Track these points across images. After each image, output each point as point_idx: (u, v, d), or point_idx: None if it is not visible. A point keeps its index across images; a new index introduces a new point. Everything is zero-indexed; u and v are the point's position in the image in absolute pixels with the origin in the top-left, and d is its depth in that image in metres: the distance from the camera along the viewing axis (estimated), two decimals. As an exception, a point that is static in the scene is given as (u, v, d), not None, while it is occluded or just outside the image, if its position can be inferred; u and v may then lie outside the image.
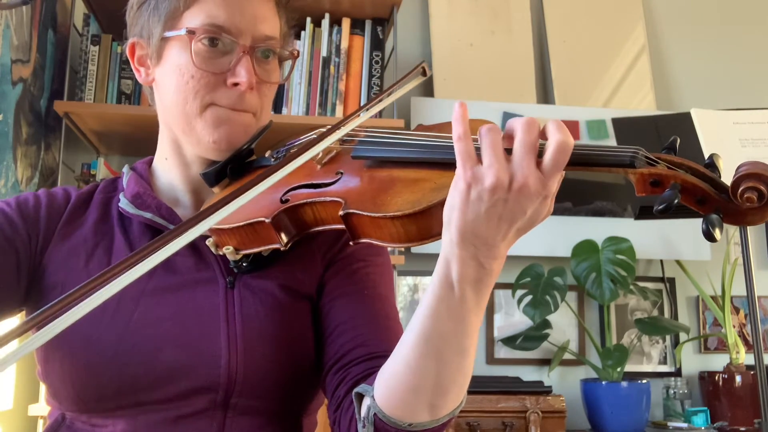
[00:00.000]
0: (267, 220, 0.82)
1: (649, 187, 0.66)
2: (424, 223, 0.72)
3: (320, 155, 0.89)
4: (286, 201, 0.83)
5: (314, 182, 0.84)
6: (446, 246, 0.68)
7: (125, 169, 1.01)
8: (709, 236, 0.63)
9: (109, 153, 2.52)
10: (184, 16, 0.91)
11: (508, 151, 0.66)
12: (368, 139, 0.86)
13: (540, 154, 0.65)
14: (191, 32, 0.89)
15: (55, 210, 0.95)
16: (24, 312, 0.93)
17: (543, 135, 0.66)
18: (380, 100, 0.90)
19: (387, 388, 0.76)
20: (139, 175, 0.99)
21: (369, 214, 0.74)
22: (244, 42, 0.90)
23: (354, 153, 0.84)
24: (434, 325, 0.71)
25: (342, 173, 0.84)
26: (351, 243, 0.78)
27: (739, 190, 0.63)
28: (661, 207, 0.63)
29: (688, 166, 0.66)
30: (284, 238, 0.83)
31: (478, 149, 0.66)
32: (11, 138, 1.92)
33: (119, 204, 0.95)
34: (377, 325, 0.90)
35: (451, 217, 0.67)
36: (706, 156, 0.69)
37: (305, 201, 0.81)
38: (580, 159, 0.67)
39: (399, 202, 0.73)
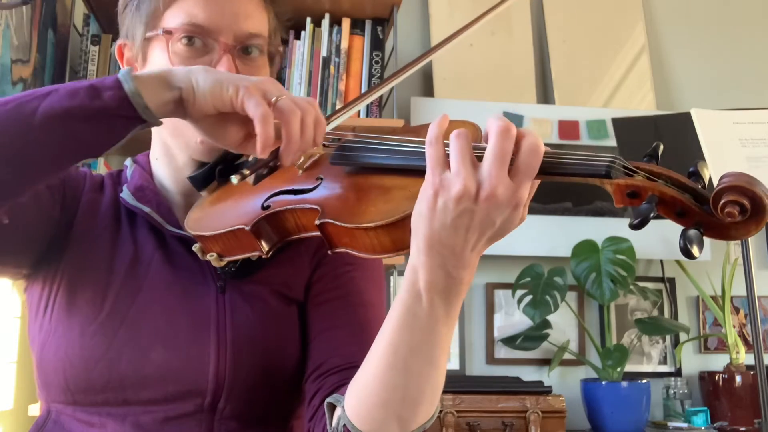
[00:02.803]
0: (247, 228, 0.80)
1: (626, 199, 0.63)
2: (398, 235, 0.70)
3: (302, 159, 0.87)
4: (267, 207, 0.81)
5: (295, 188, 0.82)
6: (413, 254, 0.67)
7: (128, 162, 1.02)
8: (687, 253, 0.59)
9: (109, 153, 2.51)
10: (164, 16, 0.90)
11: (480, 157, 0.63)
12: (347, 145, 0.84)
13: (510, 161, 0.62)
14: (168, 32, 0.88)
15: (80, 184, 0.96)
16: (24, 281, 0.94)
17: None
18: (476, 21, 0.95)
19: (356, 399, 0.74)
20: (142, 168, 0.99)
21: (343, 224, 0.72)
22: (226, 40, 0.89)
23: (332, 159, 0.83)
24: (402, 335, 0.69)
25: (322, 179, 0.82)
26: (329, 252, 0.77)
27: (720, 204, 0.59)
28: (636, 222, 0.60)
29: (668, 176, 0.63)
30: (265, 245, 0.82)
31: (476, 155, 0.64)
32: (11, 138, 1.92)
33: (121, 194, 0.96)
34: (358, 334, 0.88)
35: (418, 224, 0.65)
36: (707, 156, 0.67)
37: (286, 208, 0.80)
38: (553, 168, 0.64)
39: (372, 212, 0.72)
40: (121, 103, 0.73)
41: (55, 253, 0.91)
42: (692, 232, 0.60)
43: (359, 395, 0.74)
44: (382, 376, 0.71)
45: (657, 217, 0.59)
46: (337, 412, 0.77)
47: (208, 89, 0.73)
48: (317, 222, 0.75)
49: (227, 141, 0.77)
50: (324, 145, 0.88)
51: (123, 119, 0.74)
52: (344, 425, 0.74)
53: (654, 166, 0.64)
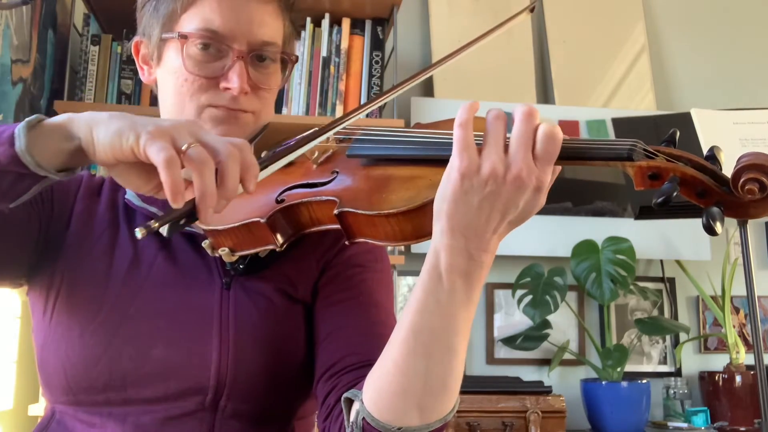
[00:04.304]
0: (262, 221, 0.81)
1: (647, 181, 0.65)
2: (419, 221, 0.71)
3: (316, 154, 0.88)
4: (282, 201, 0.82)
5: (310, 182, 0.83)
6: (436, 236, 0.68)
7: None
8: (710, 230, 0.61)
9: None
10: (181, 19, 0.91)
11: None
12: (363, 138, 0.85)
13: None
14: (183, 36, 0.89)
15: (72, 191, 0.97)
16: (26, 287, 0.94)
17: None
18: (484, 37, 0.91)
19: (375, 389, 0.74)
20: None
21: (363, 212, 0.73)
22: (240, 47, 0.90)
23: (349, 152, 0.84)
24: (423, 319, 0.70)
25: (337, 172, 0.83)
26: (347, 243, 0.77)
27: (740, 182, 0.61)
28: (659, 200, 0.62)
29: (688, 158, 0.65)
30: (280, 238, 0.82)
31: (476, 143, 0.66)
32: (11, 138, 1.92)
33: (125, 196, 0.96)
34: (371, 333, 0.88)
35: (442, 207, 0.66)
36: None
37: (301, 201, 0.81)
38: (577, 153, 0.66)
39: (393, 199, 0.73)
40: (11, 161, 0.68)
41: (48, 261, 0.91)
42: (715, 209, 0.62)
43: (379, 384, 0.74)
44: (403, 363, 0.71)
45: (673, 209, 0.60)
46: (355, 406, 0.77)
47: (107, 140, 0.67)
48: (336, 212, 0.75)
49: (140, 189, 0.72)
50: (337, 141, 0.89)
51: (17, 175, 0.69)
52: (363, 418, 0.74)
53: (673, 149, 0.66)
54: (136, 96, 2.27)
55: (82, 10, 2.33)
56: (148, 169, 0.67)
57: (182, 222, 0.65)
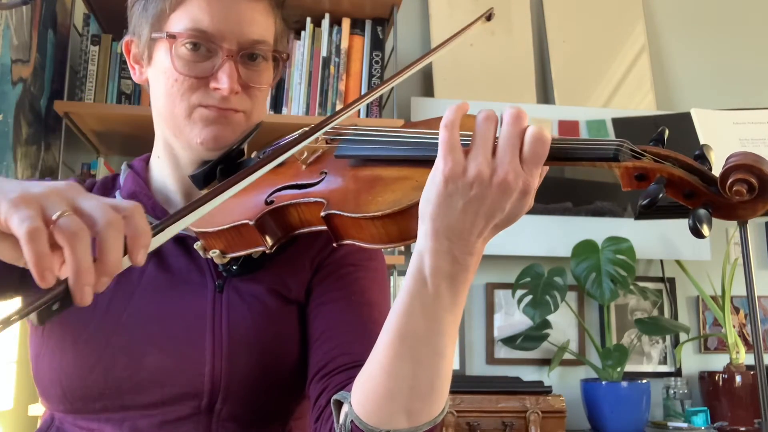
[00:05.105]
0: (251, 223, 0.80)
1: (634, 181, 0.64)
2: (405, 223, 0.70)
3: (305, 155, 0.87)
4: (271, 202, 0.81)
5: (299, 183, 0.82)
6: (420, 239, 0.66)
7: (123, 166, 1.01)
8: (696, 232, 0.60)
9: (109, 153, 2.52)
10: (170, 19, 0.90)
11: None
12: (351, 138, 0.84)
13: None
14: (171, 36, 0.88)
15: None
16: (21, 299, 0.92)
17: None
18: (439, 48, 0.89)
19: (363, 392, 0.73)
20: (137, 174, 0.99)
21: (349, 214, 0.72)
22: (229, 46, 0.89)
23: (337, 152, 0.83)
24: (408, 323, 0.68)
25: (326, 173, 0.82)
26: (335, 244, 0.76)
27: (728, 183, 0.60)
28: (645, 202, 0.60)
29: (676, 158, 0.64)
30: (269, 240, 0.82)
31: (462, 144, 0.64)
32: (11, 138, 1.92)
33: None
34: (363, 333, 0.87)
35: (426, 209, 0.65)
36: None
37: (290, 202, 0.80)
38: (562, 153, 0.65)
39: (379, 201, 0.72)
40: None
41: None
42: (701, 211, 0.60)
43: (365, 387, 0.73)
44: (389, 366, 0.70)
45: (664, 209, 0.59)
46: (344, 408, 0.76)
47: None
48: (323, 214, 0.74)
49: (17, 262, 0.59)
50: (327, 141, 0.88)
51: None
52: (351, 421, 0.73)
53: (661, 149, 0.65)
54: (136, 96, 2.27)
55: (82, 10, 2.33)
56: (15, 240, 0.55)
57: (56, 307, 0.53)
